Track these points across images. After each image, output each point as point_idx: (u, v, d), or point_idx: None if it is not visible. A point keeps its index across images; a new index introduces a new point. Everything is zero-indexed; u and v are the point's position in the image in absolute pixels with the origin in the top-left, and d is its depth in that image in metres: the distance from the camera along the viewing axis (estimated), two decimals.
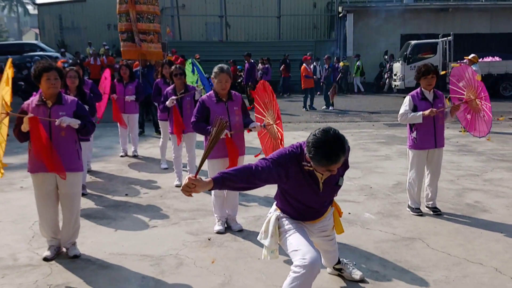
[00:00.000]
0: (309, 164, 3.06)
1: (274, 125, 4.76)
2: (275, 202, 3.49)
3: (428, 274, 3.97)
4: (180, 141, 6.67)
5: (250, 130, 5.06)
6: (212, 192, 5.04)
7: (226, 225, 5.09)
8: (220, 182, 2.89)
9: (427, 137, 5.36)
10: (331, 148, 2.83)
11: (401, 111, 5.43)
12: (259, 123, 4.97)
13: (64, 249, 4.42)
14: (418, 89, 5.47)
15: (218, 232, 4.96)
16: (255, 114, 5.22)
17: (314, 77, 17.58)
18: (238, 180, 2.93)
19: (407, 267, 4.12)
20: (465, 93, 5.53)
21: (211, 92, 5.02)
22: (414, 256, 4.35)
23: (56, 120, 4.07)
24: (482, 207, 5.75)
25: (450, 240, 4.73)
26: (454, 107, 5.42)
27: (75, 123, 4.15)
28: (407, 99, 5.45)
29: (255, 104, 5.15)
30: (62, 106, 4.20)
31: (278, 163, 3.06)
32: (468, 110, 5.57)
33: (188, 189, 2.81)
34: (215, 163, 4.98)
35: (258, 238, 3.42)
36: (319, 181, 3.18)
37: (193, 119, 4.95)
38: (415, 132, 5.40)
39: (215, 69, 4.92)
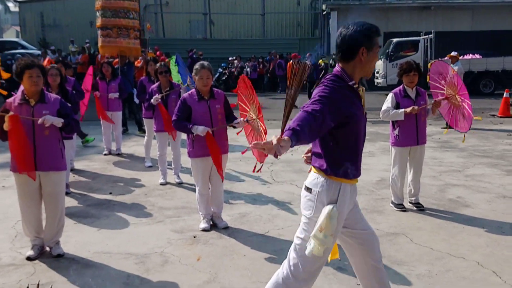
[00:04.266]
0: (353, 82, 2.73)
1: (257, 120, 4.69)
2: (319, 179, 2.79)
3: (411, 269, 4.02)
4: (175, 136, 6.62)
5: (234, 127, 5.01)
6: (197, 190, 5.03)
7: (211, 223, 5.09)
8: (295, 139, 2.40)
9: (409, 134, 5.42)
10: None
11: (383, 108, 5.48)
12: (242, 118, 4.89)
13: (47, 248, 4.37)
14: (401, 87, 5.53)
15: (204, 230, 4.95)
16: (239, 112, 5.13)
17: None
18: (309, 132, 2.46)
19: (391, 262, 4.17)
20: (445, 89, 5.59)
21: (193, 90, 4.95)
22: (398, 251, 4.40)
23: (39, 118, 4.02)
24: (464, 202, 5.84)
25: (433, 235, 4.80)
26: (435, 104, 5.48)
27: (58, 121, 4.11)
28: (390, 96, 5.51)
29: (238, 102, 5.08)
30: (45, 105, 4.14)
31: (328, 97, 2.59)
32: (450, 106, 5.64)
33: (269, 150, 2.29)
34: (198, 162, 4.94)
35: (313, 234, 2.69)
36: (362, 100, 2.79)
37: (174, 117, 4.91)
38: (397, 129, 5.46)
39: (196, 66, 4.87)
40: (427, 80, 6.04)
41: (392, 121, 5.52)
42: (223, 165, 4.97)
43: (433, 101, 5.54)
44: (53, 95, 4.32)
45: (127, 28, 11.59)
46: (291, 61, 16.81)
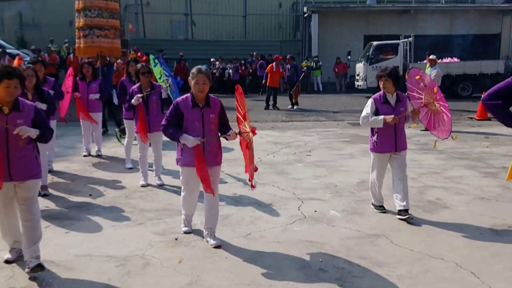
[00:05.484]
0: None
1: (251, 133, 4.34)
2: None
3: (392, 270, 4.07)
4: (146, 140, 6.59)
5: (226, 138, 4.61)
6: (182, 194, 4.80)
7: (204, 238, 4.80)
8: None
9: (388, 141, 5.32)
10: None
11: (363, 113, 5.37)
12: (233, 130, 4.55)
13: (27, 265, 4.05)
14: (381, 92, 5.39)
15: (185, 233, 4.90)
16: (236, 122, 4.75)
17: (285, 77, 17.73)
18: None
19: (372, 263, 4.21)
20: (423, 96, 5.47)
21: (188, 95, 4.55)
22: (378, 252, 4.45)
23: (15, 129, 3.80)
24: (443, 204, 5.93)
25: (413, 236, 4.86)
26: (413, 112, 5.36)
27: (34, 133, 3.92)
28: (370, 102, 5.40)
29: (237, 114, 4.66)
30: (19, 113, 3.91)
31: None
32: (429, 113, 5.52)
33: None
34: (187, 170, 4.61)
35: None
36: None
37: (163, 122, 4.55)
38: (375, 136, 5.36)
39: (193, 70, 4.49)
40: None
41: (371, 127, 5.44)
42: (216, 178, 4.64)
43: (411, 110, 5.40)
44: (27, 103, 4.10)
45: (119, 29, 12.01)
46: (273, 63, 16.95)
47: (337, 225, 5.19)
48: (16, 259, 4.20)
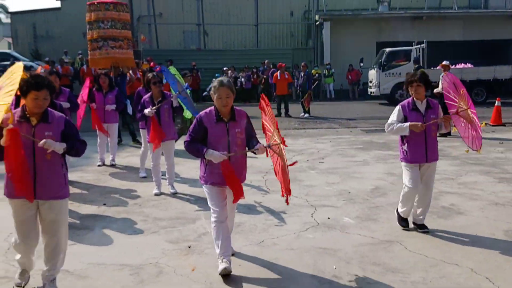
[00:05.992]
0: None
1: (281, 144, 4.04)
2: None
3: (406, 276, 4.04)
4: (155, 148, 6.61)
5: (254, 153, 4.27)
6: (212, 218, 4.22)
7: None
8: None
9: (418, 150, 4.99)
10: None
11: (389, 121, 5.09)
12: (261, 144, 4.19)
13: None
14: (410, 99, 5.09)
15: (223, 274, 4.07)
16: (262, 131, 4.47)
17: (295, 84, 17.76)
18: None
19: (386, 269, 4.19)
20: (457, 102, 5.17)
21: (212, 108, 4.24)
22: (392, 258, 4.42)
23: (40, 141, 3.53)
24: (457, 209, 5.87)
25: (427, 242, 4.82)
26: (445, 118, 5.04)
27: (60, 148, 3.61)
28: (397, 109, 5.11)
29: (263, 121, 4.39)
30: (48, 125, 3.66)
31: None
32: (463, 121, 5.20)
33: None
34: (210, 189, 4.25)
35: None
36: None
37: (187, 138, 4.22)
38: (406, 145, 5.04)
39: (214, 83, 4.19)
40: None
41: (401, 136, 5.08)
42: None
43: (441, 117, 5.07)
44: (57, 113, 3.81)
45: (131, 40, 12.34)
46: (277, 71, 17.02)
47: (350, 232, 5.17)
48: (27, 282, 3.98)
